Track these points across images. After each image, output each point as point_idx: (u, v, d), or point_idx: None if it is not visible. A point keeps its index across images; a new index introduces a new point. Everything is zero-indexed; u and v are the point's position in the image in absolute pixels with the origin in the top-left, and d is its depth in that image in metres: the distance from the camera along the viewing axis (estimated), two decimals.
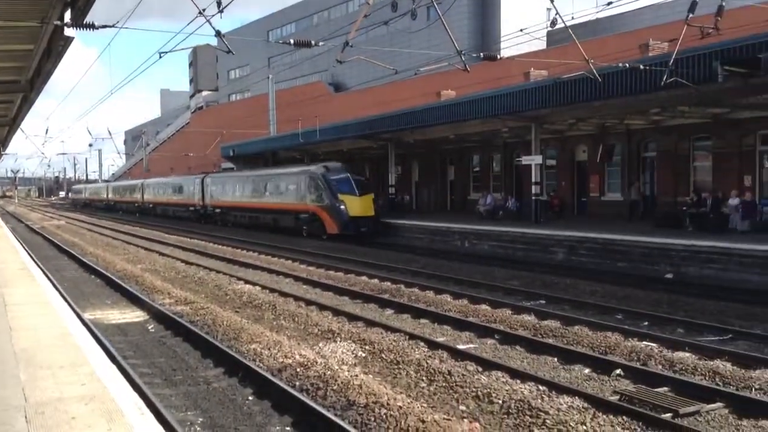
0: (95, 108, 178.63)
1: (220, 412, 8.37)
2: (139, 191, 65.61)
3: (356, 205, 30.76)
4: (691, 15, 16.73)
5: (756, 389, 8.79)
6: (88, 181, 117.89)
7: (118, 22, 12.25)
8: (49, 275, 18.98)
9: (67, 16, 10.22)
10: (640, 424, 7.64)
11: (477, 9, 59.14)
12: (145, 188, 63.85)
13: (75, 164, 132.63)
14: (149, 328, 13.43)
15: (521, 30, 19.95)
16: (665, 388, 8.87)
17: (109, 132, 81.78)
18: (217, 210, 45.66)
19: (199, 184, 48.48)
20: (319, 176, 32.32)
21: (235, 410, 8.43)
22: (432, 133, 32.17)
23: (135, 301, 16.04)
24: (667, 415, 7.86)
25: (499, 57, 18.34)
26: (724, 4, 17.07)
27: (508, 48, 28.31)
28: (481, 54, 18.86)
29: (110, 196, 78.52)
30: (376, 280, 18.66)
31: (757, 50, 16.81)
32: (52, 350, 7.88)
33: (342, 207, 30.70)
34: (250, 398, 8.85)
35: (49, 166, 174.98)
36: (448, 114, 28.56)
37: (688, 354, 10.54)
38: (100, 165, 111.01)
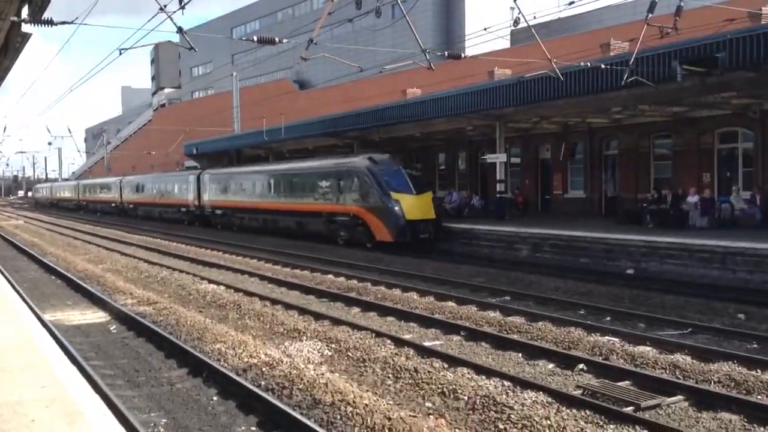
0: (54, 105, 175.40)
1: (184, 413, 8.28)
2: (116, 190, 58.92)
3: (413, 205, 25.07)
4: (650, 15, 17.01)
5: (715, 382, 8.97)
6: (49, 180, 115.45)
7: (77, 18, 12.06)
8: (8, 276, 18.60)
9: (25, 11, 10.03)
10: (603, 417, 7.75)
11: (441, 8, 59.40)
12: (125, 187, 57.30)
13: (34, 163, 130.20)
14: (111, 329, 13.23)
15: (485, 29, 20.10)
16: (627, 382, 9.02)
17: (68, 130, 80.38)
18: (218, 211, 39.66)
19: (195, 182, 42.43)
20: (363, 170, 26.43)
21: (200, 411, 8.35)
22: (398, 131, 32.22)
23: (96, 301, 15.78)
24: (629, 409, 7.99)
25: (463, 56, 18.44)
26: (682, 4, 17.39)
27: (473, 47, 28.49)
28: (446, 52, 18.95)
29: (81, 195, 71.62)
30: (342, 279, 18.63)
31: (714, 50, 17.17)
32: (11, 352, 7.73)
33: (396, 208, 24.84)
34: (215, 398, 8.77)
35: (7, 164, 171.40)
36: (413, 112, 28.66)
37: (649, 348, 10.72)
38: (60, 163, 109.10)
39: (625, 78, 18.27)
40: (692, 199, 22.85)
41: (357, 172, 26.78)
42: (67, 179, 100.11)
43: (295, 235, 31.04)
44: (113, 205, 59.90)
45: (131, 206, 55.54)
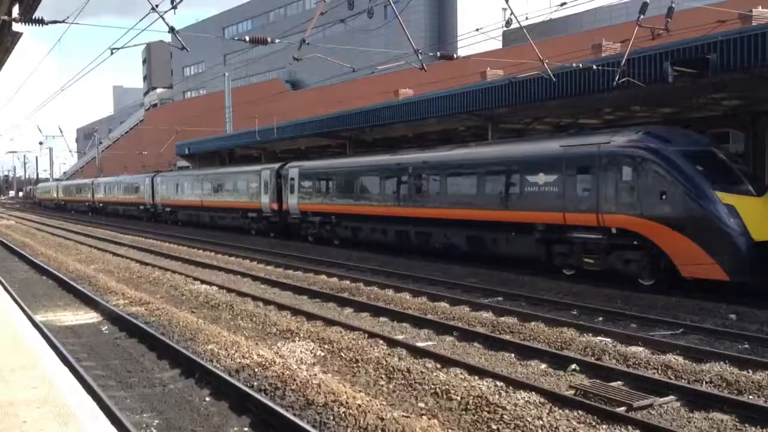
0: (46, 105, 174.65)
1: (176, 414, 8.26)
2: (146, 190, 48.96)
3: (762, 215, 14.55)
4: (642, 16, 17.06)
5: (706, 382, 9.02)
6: (40, 179, 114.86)
7: (68, 17, 12.00)
8: None
9: (15, 11, 9.98)
10: (595, 418, 7.78)
11: (433, 8, 59.49)
12: (158, 186, 47.34)
13: (25, 163, 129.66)
14: (103, 329, 13.18)
15: (477, 30, 20.12)
16: (619, 383, 9.06)
17: (60, 130, 79.97)
18: (313, 218, 29.43)
19: (272, 179, 32.74)
20: (644, 155, 15.67)
21: (192, 412, 8.33)
22: (391, 132, 32.21)
23: (88, 302, 15.73)
24: (622, 409, 8.02)
25: (455, 56, 18.43)
26: (674, 5, 17.44)
27: (465, 47, 28.50)
28: (438, 53, 18.95)
29: (97, 195, 61.92)
30: (335, 279, 18.63)
31: (705, 51, 17.23)
32: (2, 353, 7.68)
33: (731, 221, 14.21)
34: (207, 399, 8.75)
35: None
36: (405, 112, 28.61)
37: (641, 348, 10.76)
38: (52, 163, 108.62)
39: (616, 79, 18.30)
40: None
41: (631, 156, 15.92)
42: (58, 179, 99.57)
43: (463, 254, 21.53)
44: (141, 207, 50.35)
45: (168, 210, 46.11)
